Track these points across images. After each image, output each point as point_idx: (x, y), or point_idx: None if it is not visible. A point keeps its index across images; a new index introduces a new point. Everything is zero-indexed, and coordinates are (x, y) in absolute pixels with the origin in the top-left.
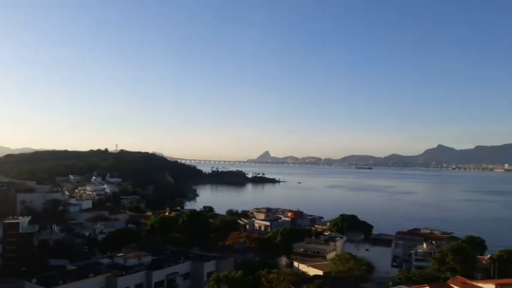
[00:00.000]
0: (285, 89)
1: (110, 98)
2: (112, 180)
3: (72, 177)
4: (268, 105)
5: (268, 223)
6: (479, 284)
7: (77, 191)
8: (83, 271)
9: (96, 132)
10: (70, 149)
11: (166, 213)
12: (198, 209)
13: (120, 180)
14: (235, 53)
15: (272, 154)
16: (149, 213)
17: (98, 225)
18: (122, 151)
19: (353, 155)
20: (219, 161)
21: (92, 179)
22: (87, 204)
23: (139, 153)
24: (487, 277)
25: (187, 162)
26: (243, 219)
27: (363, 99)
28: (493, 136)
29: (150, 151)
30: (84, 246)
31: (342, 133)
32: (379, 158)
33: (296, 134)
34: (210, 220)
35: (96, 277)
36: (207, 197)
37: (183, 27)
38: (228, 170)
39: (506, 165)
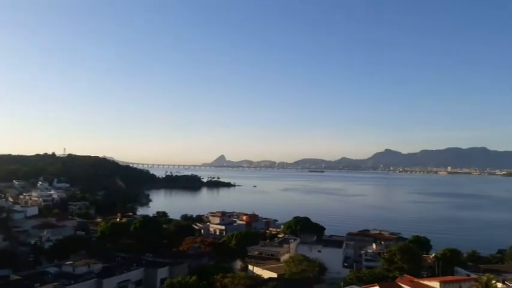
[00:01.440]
0: (241, 93)
1: (56, 100)
2: (59, 185)
3: (16, 182)
4: (223, 109)
5: (223, 227)
6: (425, 282)
7: (21, 197)
8: (28, 281)
9: (43, 136)
10: (14, 152)
11: (118, 219)
12: (151, 215)
13: (68, 185)
14: (187, 54)
15: (227, 158)
16: (99, 220)
17: (45, 233)
18: (70, 155)
19: (306, 159)
20: (173, 165)
21: (38, 184)
22: (33, 210)
23: (89, 157)
24: (432, 275)
25: (140, 167)
26: (197, 224)
27: (315, 105)
28: (437, 141)
29: (101, 155)
30: (30, 254)
31: (296, 137)
32: (331, 161)
33: (251, 138)
34: (164, 225)
35: (43, 287)
36: (160, 202)
37: (128, 26)
38: (182, 174)
39: (449, 168)
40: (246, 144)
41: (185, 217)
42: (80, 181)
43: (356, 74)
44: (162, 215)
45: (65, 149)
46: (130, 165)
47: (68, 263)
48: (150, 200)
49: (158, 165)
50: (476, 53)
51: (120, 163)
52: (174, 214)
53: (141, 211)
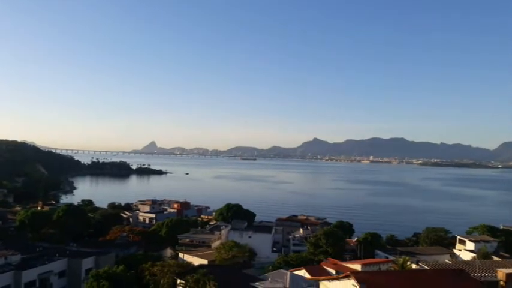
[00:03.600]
0: (174, 79)
1: None
2: None
3: None
4: (154, 95)
5: (153, 215)
6: (348, 265)
7: None
8: None
9: None
10: None
11: (39, 208)
12: (75, 203)
13: None
14: (122, 41)
15: (159, 145)
16: (18, 208)
17: None
18: None
19: (239, 147)
20: (100, 152)
21: None
22: None
23: (5, 141)
24: (354, 258)
25: (64, 153)
26: (126, 212)
27: (247, 94)
28: (361, 131)
29: (19, 140)
30: None
31: (230, 125)
32: (263, 149)
33: (184, 125)
34: (89, 214)
35: None
36: (86, 190)
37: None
38: (110, 161)
39: (371, 157)
40: (179, 131)
41: (113, 205)
42: None
43: (286, 66)
44: (88, 203)
45: None
46: (53, 150)
47: None
48: (74, 188)
49: (83, 151)
50: (390, 53)
51: (42, 148)
52: (101, 202)
53: (64, 199)
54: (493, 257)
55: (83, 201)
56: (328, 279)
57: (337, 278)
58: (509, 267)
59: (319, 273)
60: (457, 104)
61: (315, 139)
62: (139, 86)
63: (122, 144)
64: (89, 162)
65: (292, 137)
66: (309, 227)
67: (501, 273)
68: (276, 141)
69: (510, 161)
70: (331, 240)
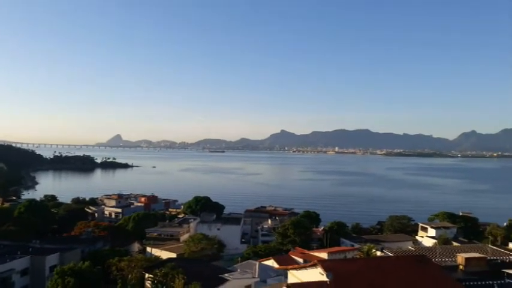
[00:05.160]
0: (139, 70)
1: None
2: None
3: None
4: (119, 86)
5: (119, 210)
6: (315, 253)
7: None
8: None
9: None
10: None
11: None
12: (38, 198)
13: None
14: (87, 30)
15: (124, 138)
16: None
17: None
18: None
19: (207, 139)
20: (63, 145)
21: None
22: None
23: None
24: (321, 246)
25: (25, 147)
26: (91, 207)
27: (214, 86)
28: (326, 123)
29: None
30: None
31: (197, 118)
32: (231, 142)
33: (151, 117)
34: (53, 210)
35: None
36: (48, 185)
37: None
38: (73, 154)
39: (336, 148)
40: (145, 124)
41: (77, 200)
42: None
43: (251, 61)
44: (51, 198)
45: None
46: (13, 144)
47: None
48: (36, 183)
49: (46, 144)
50: (355, 47)
51: (1, 142)
52: (65, 197)
53: (26, 195)
54: (453, 242)
55: (45, 196)
56: (296, 268)
57: (305, 267)
58: (467, 252)
59: (287, 263)
60: (418, 96)
61: (283, 131)
62: (103, 77)
63: (86, 138)
64: (52, 157)
65: (260, 129)
66: (277, 218)
67: (460, 258)
68: (244, 133)
69: (468, 150)
70: (299, 230)
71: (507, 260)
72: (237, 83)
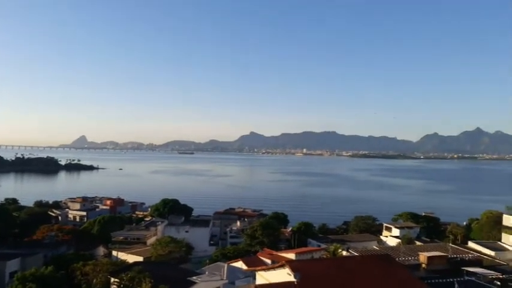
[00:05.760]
0: (102, 70)
1: None
2: None
3: None
4: (84, 88)
5: (84, 213)
6: (283, 254)
7: None
8: None
9: None
10: None
11: None
12: None
13: None
14: (48, 30)
15: (89, 139)
16: None
17: None
18: None
19: (176, 141)
20: (25, 147)
21: None
22: None
23: None
24: (289, 247)
25: None
26: (54, 211)
27: (184, 87)
28: (295, 125)
29: None
30: None
31: (165, 119)
32: (200, 143)
33: (116, 118)
34: (14, 213)
35: None
36: (9, 188)
37: None
38: (36, 156)
39: (304, 150)
40: (111, 125)
41: (40, 204)
42: None
43: (221, 62)
44: (12, 202)
45: None
46: None
47: None
48: None
49: (6, 146)
50: (322, 49)
51: None
52: (27, 201)
53: None
54: (416, 241)
55: (6, 199)
56: (264, 269)
57: (273, 268)
58: (430, 251)
59: (256, 264)
60: (383, 100)
61: (252, 133)
62: (66, 77)
63: (49, 139)
64: (13, 158)
65: (229, 130)
66: (245, 219)
67: (423, 257)
68: (213, 135)
69: (431, 152)
70: (267, 231)
71: (467, 258)
72: (205, 84)
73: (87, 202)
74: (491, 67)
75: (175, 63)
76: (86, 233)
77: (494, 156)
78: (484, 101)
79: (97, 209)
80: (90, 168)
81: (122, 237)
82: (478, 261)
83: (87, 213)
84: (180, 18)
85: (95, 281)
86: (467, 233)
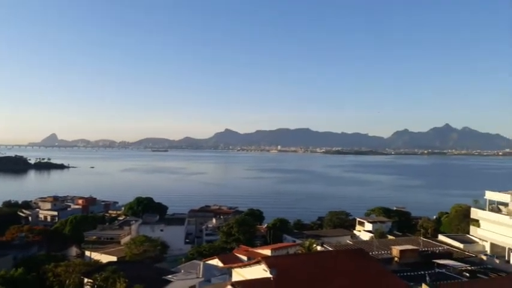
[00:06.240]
0: (76, 67)
1: None
2: None
3: None
4: (51, 86)
5: (55, 213)
6: (259, 251)
7: None
8: None
9: None
10: None
11: None
12: None
13: None
14: (17, 28)
15: (60, 137)
16: None
17: None
18: None
19: (149, 138)
20: None
21: None
22: None
23: None
24: (264, 243)
25: None
26: (24, 211)
27: (156, 84)
28: (269, 122)
29: None
30: None
31: (138, 116)
32: (174, 141)
33: (88, 116)
34: None
35: None
36: None
37: None
38: (4, 155)
39: (279, 147)
40: (82, 123)
41: (8, 204)
42: None
43: (199, 58)
44: None
45: None
46: None
47: None
48: None
49: None
50: (293, 47)
51: None
52: None
53: None
54: (388, 236)
55: None
56: (240, 266)
57: (249, 264)
58: (402, 245)
59: (232, 261)
60: (355, 97)
61: (227, 130)
62: (35, 75)
63: (18, 137)
64: None
65: (204, 128)
66: (221, 217)
67: (395, 250)
68: (188, 132)
69: (401, 148)
70: (243, 228)
71: (437, 251)
72: (179, 81)
73: (58, 202)
74: (459, 65)
75: (146, 61)
76: (58, 233)
77: (463, 152)
78: (452, 98)
79: (69, 209)
80: (61, 167)
81: (95, 237)
82: (448, 254)
83: (58, 213)
84: (146, 13)
85: (67, 282)
86: (438, 226)
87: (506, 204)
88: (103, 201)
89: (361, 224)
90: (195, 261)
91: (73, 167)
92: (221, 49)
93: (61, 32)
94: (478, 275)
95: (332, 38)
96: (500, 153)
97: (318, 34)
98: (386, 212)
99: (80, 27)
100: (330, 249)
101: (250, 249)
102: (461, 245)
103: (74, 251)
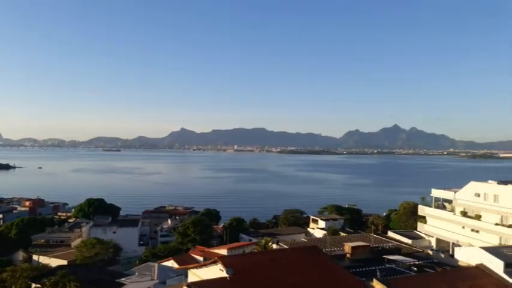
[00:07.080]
0: (22, 63)
1: None
2: None
3: None
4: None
5: (0, 215)
6: (215, 250)
7: None
8: None
9: None
10: None
11: None
12: None
13: None
14: None
15: (5, 136)
16: None
17: None
18: None
19: (101, 137)
20: None
21: None
22: None
23: None
24: (221, 243)
25: None
26: None
27: (109, 81)
28: (226, 121)
29: None
30: None
31: (89, 114)
32: (127, 140)
33: (35, 113)
34: None
35: None
36: None
37: None
38: None
39: (235, 146)
40: (29, 121)
41: None
42: None
43: (147, 58)
44: None
45: None
46: None
47: None
48: None
49: None
50: (255, 45)
51: None
52: None
53: None
54: (341, 233)
55: None
56: (196, 267)
57: (205, 265)
58: (353, 241)
59: (188, 262)
60: (308, 98)
61: (183, 129)
62: None
63: None
64: None
65: (159, 127)
66: (177, 217)
67: (347, 247)
68: (141, 131)
69: (353, 147)
70: (199, 228)
71: (387, 247)
72: (133, 78)
73: (3, 204)
74: (407, 69)
75: (97, 57)
76: (3, 237)
77: (410, 151)
78: (400, 100)
79: (15, 211)
80: (6, 167)
81: (43, 240)
82: (398, 250)
83: (3, 216)
84: (97, 7)
85: (13, 287)
86: (387, 223)
87: (450, 201)
88: (52, 203)
89: (315, 221)
90: (149, 263)
91: (19, 167)
92: (168, 44)
93: (10, 29)
94: (425, 269)
95: (282, 43)
96: (445, 153)
97: (266, 39)
98: (339, 209)
99: (28, 24)
100: (285, 247)
101: (206, 249)
102: (409, 241)
103: (20, 255)
